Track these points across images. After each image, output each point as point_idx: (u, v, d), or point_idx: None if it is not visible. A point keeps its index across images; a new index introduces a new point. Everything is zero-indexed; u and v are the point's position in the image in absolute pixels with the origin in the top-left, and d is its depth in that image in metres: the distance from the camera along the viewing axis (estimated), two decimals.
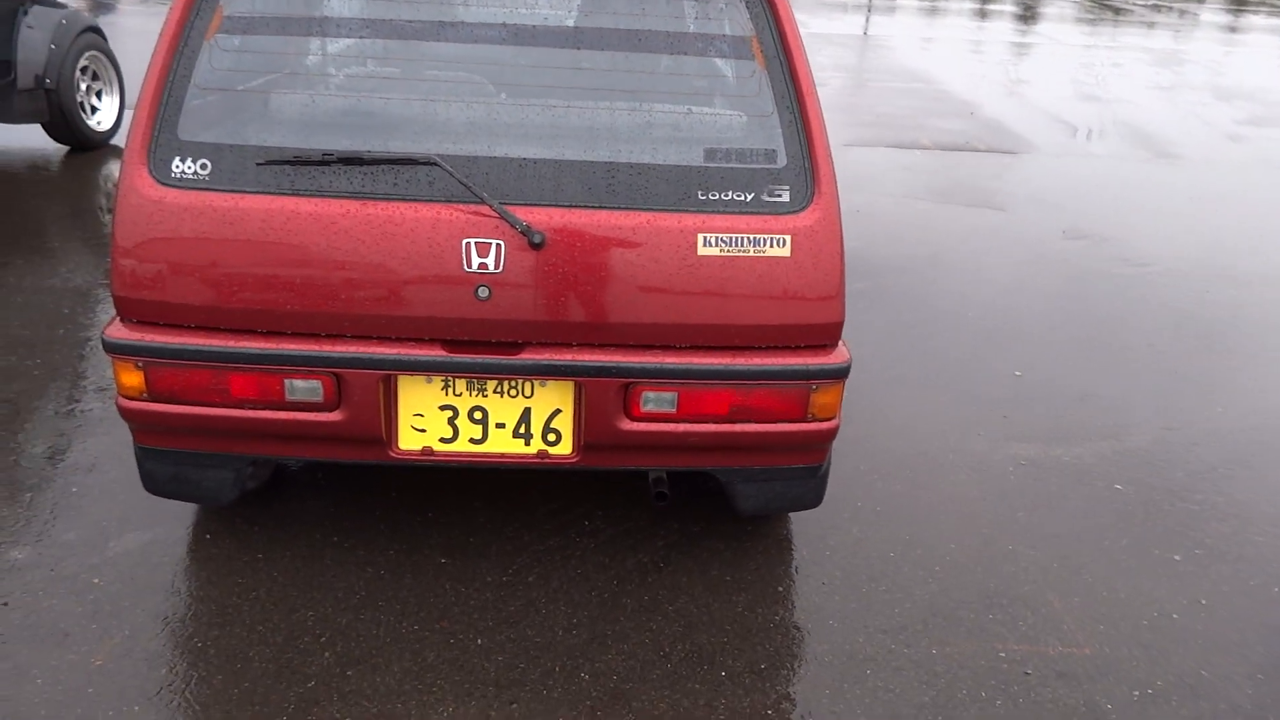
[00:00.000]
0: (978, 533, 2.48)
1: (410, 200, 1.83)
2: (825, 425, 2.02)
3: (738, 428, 1.98)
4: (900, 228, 5.78)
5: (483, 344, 1.91)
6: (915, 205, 6.26)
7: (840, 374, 1.97)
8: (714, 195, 1.89)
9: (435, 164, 1.80)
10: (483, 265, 1.85)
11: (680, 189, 1.88)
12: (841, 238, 1.92)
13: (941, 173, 7.20)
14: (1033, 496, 2.68)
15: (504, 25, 1.85)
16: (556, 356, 1.91)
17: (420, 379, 1.94)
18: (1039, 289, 4.81)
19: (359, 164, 1.81)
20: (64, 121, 5.61)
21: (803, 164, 1.90)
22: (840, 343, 2.01)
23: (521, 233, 1.82)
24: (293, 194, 1.82)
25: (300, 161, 1.80)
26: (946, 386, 3.65)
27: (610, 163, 1.87)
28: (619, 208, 1.86)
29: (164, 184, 1.78)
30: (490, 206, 1.81)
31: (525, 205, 1.86)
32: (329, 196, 1.82)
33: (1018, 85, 10.18)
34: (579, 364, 1.90)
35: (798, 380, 1.95)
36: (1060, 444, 2.93)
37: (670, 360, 1.92)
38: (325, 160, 1.80)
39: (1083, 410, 3.15)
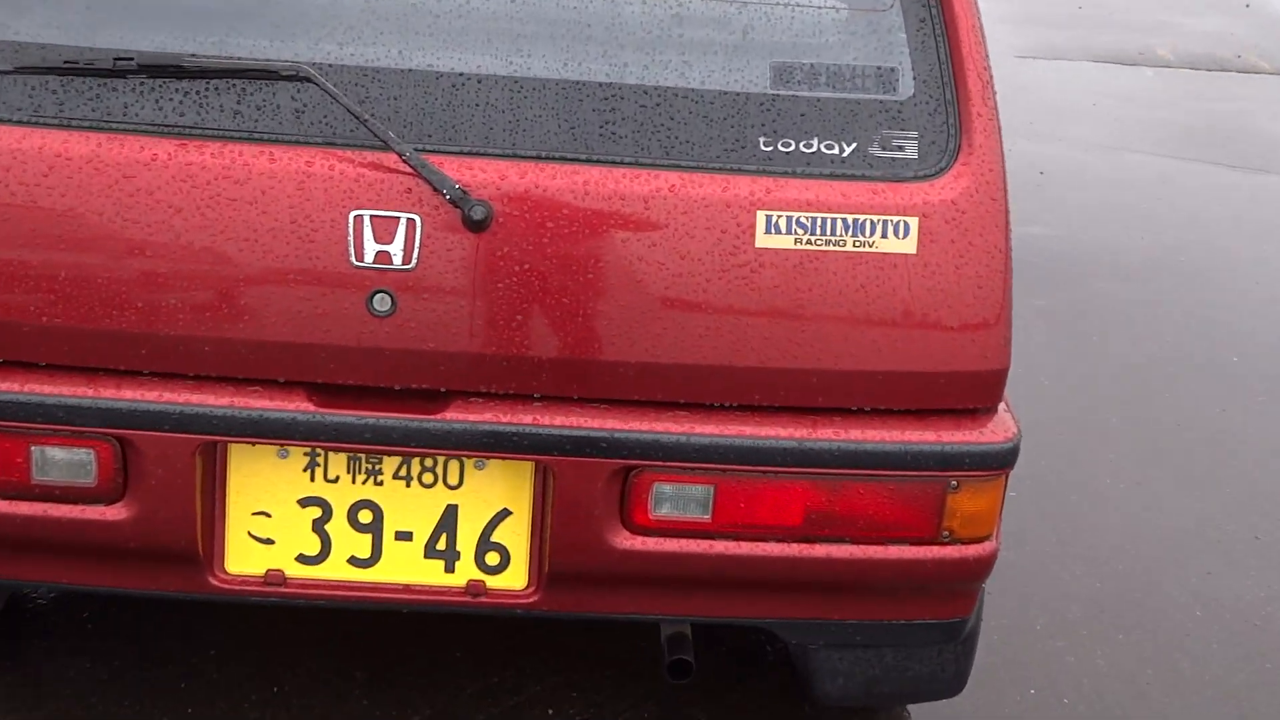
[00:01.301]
0: None
1: (263, 142, 1.91)
2: (973, 551, 2.08)
3: (818, 551, 2.05)
4: (1115, 203, 5.72)
5: (378, 392, 1.98)
6: (1144, 163, 6.20)
7: (1001, 461, 2.06)
8: (787, 145, 1.99)
9: (307, 80, 1.87)
10: (384, 256, 1.93)
11: (729, 133, 1.98)
12: (1008, 222, 2.01)
13: (1190, 106, 7.14)
14: None
15: None
16: (505, 418, 1.99)
17: (267, 452, 2.00)
18: None
19: (176, 77, 1.87)
20: None
21: (942, 93, 2.00)
22: (1002, 405, 2.09)
23: (451, 202, 1.89)
24: (60, 125, 1.88)
25: (75, 70, 1.85)
26: (1193, 479, 3.63)
27: (610, 85, 1.97)
28: (622, 163, 1.96)
29: None
30: (400, 156, 1.88)
31: (460, 155, 1.94)
32: (123, 131, 1.89)
33: None
34: (544, 432, 1.98)
35: (926, 471, 2.03)
36: None
37: (704, 429, 2.01)
38: (119, 69, 1.85)
39: None
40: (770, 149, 2.00)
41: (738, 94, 2.00)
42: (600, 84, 1.98)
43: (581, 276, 1.97)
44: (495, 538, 2.06)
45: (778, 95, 2.01)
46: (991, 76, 2.01)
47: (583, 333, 1.99)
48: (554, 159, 1.97)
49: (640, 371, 2.01)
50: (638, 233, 1.98)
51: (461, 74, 1.96)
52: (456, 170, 1.93)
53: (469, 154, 1.95)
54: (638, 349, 2.00)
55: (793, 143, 2.01)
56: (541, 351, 2.00)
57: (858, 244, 2.00)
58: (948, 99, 2.01)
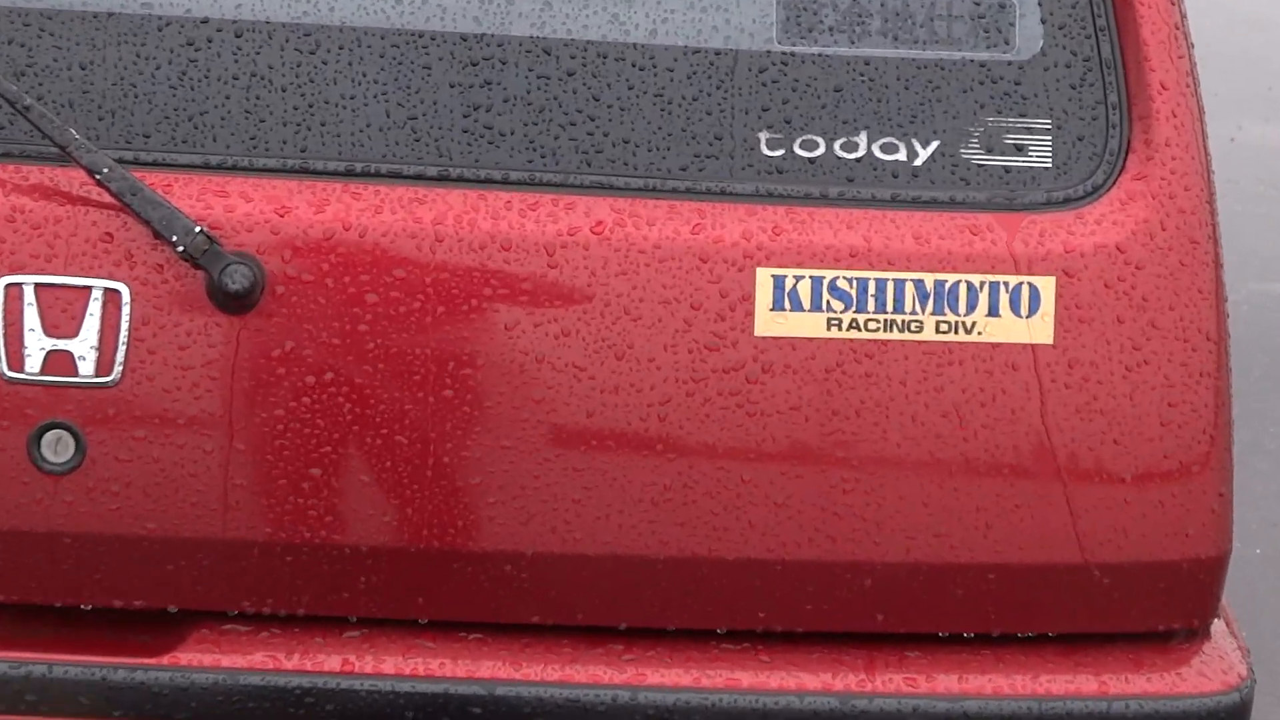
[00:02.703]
0: None
1: None
2: None
3: None
4: None
5: (52, 616, 1.95)
6: None
7: None
8: (811, 146, 1.95)
9: None
10: (60, 361, 1.89)
11: (705, 124, 1.95)
12: (1220, 280, 1.97)
13: None
14: None
15: None
16: (290, 661, 1.93)
17: None
18: None
19: None
20: None
21: (1093, 47, 1.95)
22: (1219, 625, 2.06)
23: (187, 258, 1.85)
24: None
25: None
26: None
27: (484, 39, 1.95)
28: (506, 182, 1.94)
29: None
30: (91, 173, 1.85)
31: (204, 171, 1.92)
32: None
33: None
34: (363, 686, 1.93)
35: None
36: None
37: (658, 677, 1.96)
38: None
39: None
40: (780, 153, 1.94)
41: (719, 53, 1.95)
42: (465, 36, 1.94)
43: (432, 394, 1.91)
44: None
45: (793, 55, 1.94)
46: (1185, 14, 1.96)
47: (432, 498, 1.93)
48: (378, 177, 1.93)
49: (539, 569, 1.95)
50: (537, 312, 1.92)
51: (205, 20, 1.92)
52: (197, 199, 1.90)
53: (219, 169, 1.93)
54: (534, 529, 1.94)
55: (821, 142, 1.93)
56: (356, 534, 1.93)
57: (945, 328, 1.92)
58: (1104, 57, 1.95)
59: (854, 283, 1.92)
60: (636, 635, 1.99)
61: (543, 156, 1.95)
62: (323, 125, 1.94)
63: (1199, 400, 1.95)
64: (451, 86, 1.94)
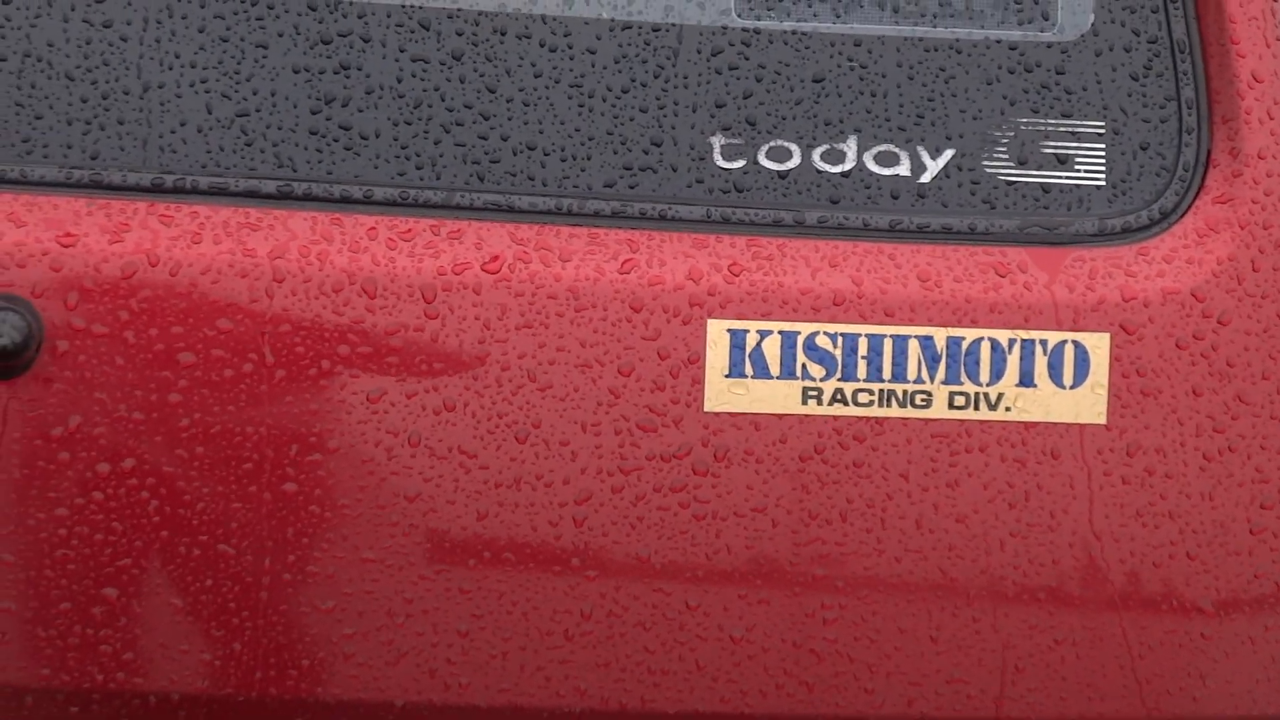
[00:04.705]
0: None
1: None
2: None
3: None
4: None
5: None
6: None
7: None
8: (783, 156, 1.81)
9: None
10: None
11: (636, 126, 1.83)
12: None
13: None
14: None
15: None
16: None
17: None
18: None
19: None
20: None
21: (1163, 23, 1.83)
22: None
23: None
24: None
25: None
26: None
27: (338, 6, 1.84)
28: (372, 200, 1.80)
29: None
30: None
31: None
32: None
33: None
34: None
35: None
36: None
37: None
38: None
39: None
40: (739, 165, 1.79)
41: (658, 28, 1.81)
42: (313, 2, 1.79)
43: (268, 489, 1.73)
44: None
45: (757, 31, 1.80)
46: None
47: (268, 631, 1.76)
48: (197, 194, 1.75)
49: None
50: (410, 379, 1.74)
51: None
52: None
53: None
54: (405, 672, 1.77)
55: (795, 150, 1.77)
56: (165, 678, 1.76)
57: (961, 402, 1.76)
58: (1175, 38, 1.81)
59: (839, 340, 1.74)
60: None
61: (419, 168, 1.76)
62: (120, 123, 1.74)
63: None
64: (295, 72, 1.75)
